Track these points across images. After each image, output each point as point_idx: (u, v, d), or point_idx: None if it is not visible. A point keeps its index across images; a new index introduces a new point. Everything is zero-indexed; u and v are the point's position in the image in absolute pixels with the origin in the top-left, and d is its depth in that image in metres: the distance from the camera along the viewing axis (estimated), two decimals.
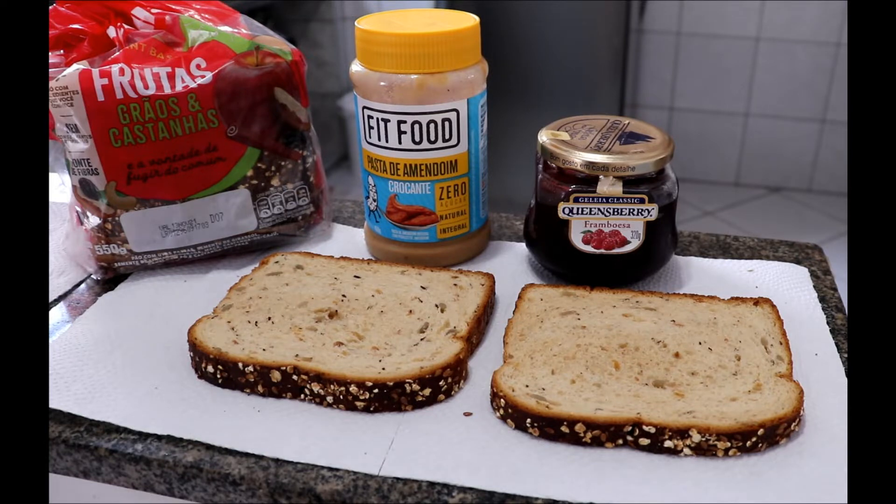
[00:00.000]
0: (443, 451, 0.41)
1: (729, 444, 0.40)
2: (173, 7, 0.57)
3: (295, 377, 0.45)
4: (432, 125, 0.54)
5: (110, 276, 0.59)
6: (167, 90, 0.54)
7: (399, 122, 0.54)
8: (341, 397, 0.44)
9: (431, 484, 0.39)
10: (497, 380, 0.44)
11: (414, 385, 0.44)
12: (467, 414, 0.44)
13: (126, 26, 0.56)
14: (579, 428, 0.41)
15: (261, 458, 0.41)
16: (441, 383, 0.44)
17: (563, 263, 0.56)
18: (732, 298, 0.52)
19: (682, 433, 0.40)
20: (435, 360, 0.45)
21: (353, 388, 0.43)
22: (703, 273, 0.59)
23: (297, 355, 0.46)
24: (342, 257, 0.58)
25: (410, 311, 0.51)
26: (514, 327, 0.50)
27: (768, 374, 0.45)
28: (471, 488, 0.39)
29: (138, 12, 0.57)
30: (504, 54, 2.09)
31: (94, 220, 0.57)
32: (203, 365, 0.47)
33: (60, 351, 0.49)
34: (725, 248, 0.63)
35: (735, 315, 0.50)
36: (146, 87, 0.53)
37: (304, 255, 0.58)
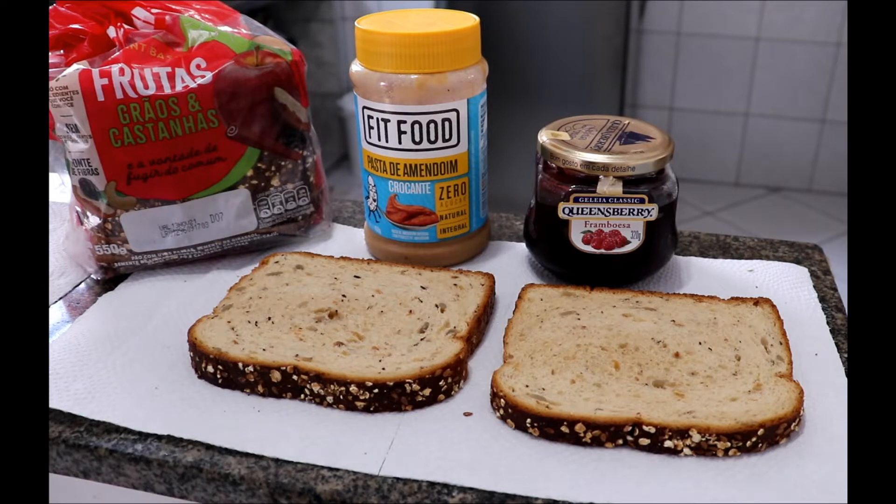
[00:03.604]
0: (443, 451, 0.41)
1: (729, 444, 0.40)
2: (173, 7, 0.57)
3: (295, 377, 0.45)
4: (432, 125, 0.54)
5: (110, 276, 0.59)
6: (167, 90, 0.54)
7: (399, 122, 0.54)
8: (341, 397, 0.44)
9: (431, 484, 0.39)
10: (497, 380, 0.44)
11: (414, 385, 0.44)
12: (467, 414, 0.44)
13: (126, 26, 0.56)
14: (579, 428, 0.41)
15: (261, 458, 0.41)
16: (441, 383, 0.44)
17: (563, 263, 0.56)
18: (732, 298, 0.52)
19: (682, 433, 0.40)
20: (435, 360, 0.45)
21: (353, 388, 0.43)
22: (703, 273, 0.59)
23: (297, 355, 0.46)
24: (342, 257, 0.58)
25: (410, 311, 0.51)
26: (514, 327, 0.50)
27: (768, 374, 0.45)
28: (471, 488, 0.39)
29: (138, 12, 0.57)
30: (504, 54, 2.09)
31: (94, 220, 0.57)
32: (203, 365, 0.47)
33: (60, 351, 0.49)
34: (725, 248, 0.63)
35: (735, 315, 0.50)
36: (146, 87, 0.53)
37: (304, 255, 0.58)
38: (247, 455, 0.41)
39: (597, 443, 0.41)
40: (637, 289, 0.56)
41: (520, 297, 0.53)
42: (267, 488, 0.40)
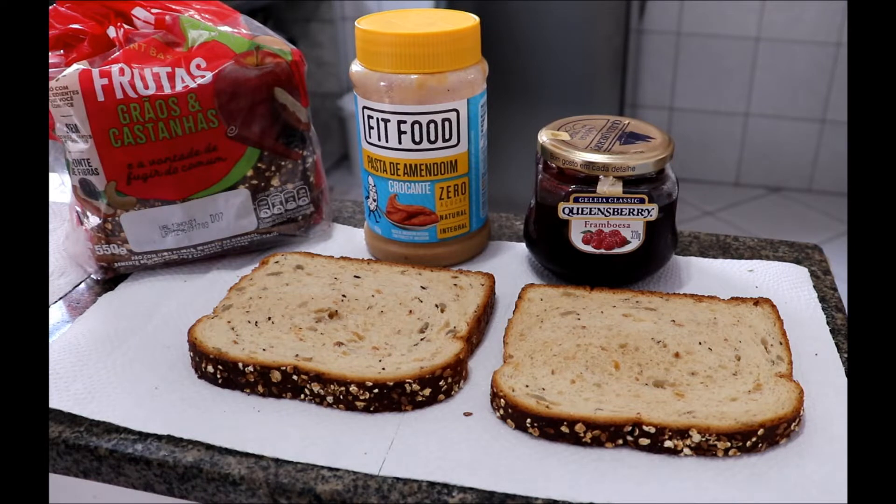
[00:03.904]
0: (443, 451, 0.41)
1: (729, 444, 0.40)
2: (173, 7, 0.57)
3: (295, 377, 0.45)
4: (432, 125, 0.54)
5: (110, 276, 0.59)
6: (167, 90, 0.54)
7: (399, 122, 0.54)
8: (341, 397, 0.44)
9: (431, 484, 0.39)
10: (497, 380, 0.44)
11: (414, 385, 0.44)
12: (467, 414, 0.44)
13: (126, 26, 0.56)
14: (579, 428, 0.41)
15: (261, 458, 0.41)
16: (441, 383, 0.44)
17: (563, 263, 0.56)
18: (732, 298, 0.52)
19: (682, 433, 0.40)
20: (435, 360, 0.45)
21: (353, 388, 0.43)
22: (703, 273, 0.59)
23: (297, 355, 0.46)
24: (342, 257, 0.58)
25: (410, 311, 0.51)
26: (514, 327, 0.50)
27: (768, 374, 0.45)
28: (471, 488, 0.39)
29: (138, 12, 0.57)
30: (504, 54, 2.09)
31: (94, 220, 0.57)
32: (203, 365, 0.47)
33: (60, 351, 0.49)
34: (725, 248, 0.63)
35: (735, 315, 0.50)
36: (146, 87, 0.53)
37: (304, 255, 0.58)
38: (247, 455, 0.41)
39: (597, 443, 0.41)
40: (637, 289, 0.56)
41: (520, 297, 0.53)
42: (267, 488, 0.40)
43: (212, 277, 0.59)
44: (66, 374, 0.47)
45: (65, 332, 0.51)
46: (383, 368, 0.45)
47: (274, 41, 0.58)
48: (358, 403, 0.44)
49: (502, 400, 0.43)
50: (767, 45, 2.36)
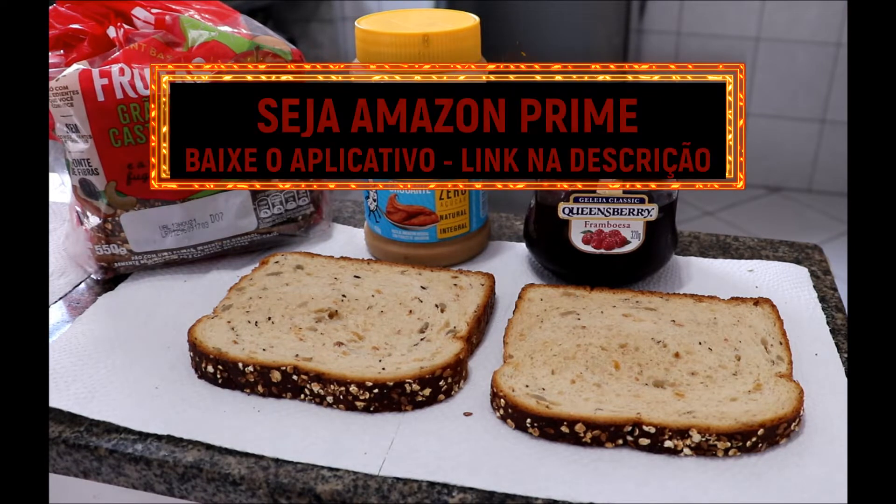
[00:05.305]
0: (443, 451, 0.41)
1: (729, 445, 0.40)
2: (173, 7, 0.57)
3: (295, 377, 0.45)
4: None
5: (110, 276, 0.59)
6: None
7: None
8: (341, 397, 0.44)
9: (431, 484, 0.39)
10: (497, 380, 0.44)
11: (414, 385, 0.44)
12: (467, 414, 0.44)
13: (126, 26, 0.56)
14: (579, 428, 0.41)
15: (261, 458, 0.41)
16: (441, 383, 0.44)
17: (563, 263, 0.56)
18: (732, 298, 0.52)
19: (682, 433, 0.40)
20: (435, 360, 0.45)
21: (353, 388, 0.43)
22: (703, 273, 0.59)
23: (297, 355, 0.46)
24: (342, 257, 0.58)
25: (410, 311, 0.51)
26: (514, 327, 0.50)
27: (768, 374, 0.45)
28: (471, 488, 0.39)
29: (138, 12, 0.57)
30: (504, 54, 2.09)
31: (94, 220, 0.57)
32: (203, 365, 0.47)
33: (60, 351, 0.49)
34: (725, 248, 0.63)
35: (735, 315, 0.50)
36: (146, 87, 0.53)
37: (304, 255, 0.58)
38: (247, 455, 0.41)
39: (597, 443, 0.41)
40: (637, 289, 0.56)
41: (520, 297, 0.53)
42: (267, 488, 0.40)
43: (212, 277, 0.59)
44: (66, 374, 0.47)
45: (65, 332, 0.51)
46: (383, 368, 0.45)
47: (274, 41, 0.58)
48: (358, 403, 0.44)
49: (502, 400, 0.43)
50: (767, 45, 2.36)
